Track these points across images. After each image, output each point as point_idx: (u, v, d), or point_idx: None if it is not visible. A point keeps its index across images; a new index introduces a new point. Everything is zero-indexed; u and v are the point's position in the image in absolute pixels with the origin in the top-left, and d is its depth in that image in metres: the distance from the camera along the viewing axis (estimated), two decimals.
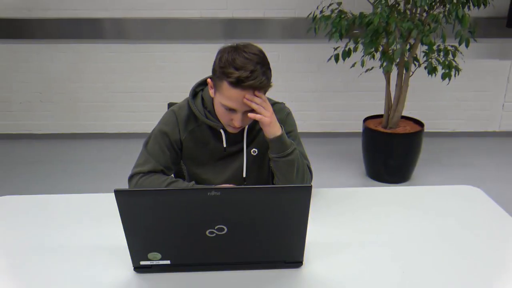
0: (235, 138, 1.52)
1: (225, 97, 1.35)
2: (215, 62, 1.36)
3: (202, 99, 1.51)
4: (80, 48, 3.93)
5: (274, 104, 1.55)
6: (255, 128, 1.54)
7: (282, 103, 1.61)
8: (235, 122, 1.40)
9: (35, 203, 1.52)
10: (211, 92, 1.43)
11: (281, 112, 1.56)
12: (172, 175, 1.58)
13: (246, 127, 1.51)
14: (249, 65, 1.30)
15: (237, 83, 1.30)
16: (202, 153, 1.55)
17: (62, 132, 4.23)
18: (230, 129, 1.46)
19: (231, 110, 1.37)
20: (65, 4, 3.78)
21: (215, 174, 1.56)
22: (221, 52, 1.35)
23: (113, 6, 3.80)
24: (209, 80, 1.43)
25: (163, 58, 3.96)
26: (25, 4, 3.78)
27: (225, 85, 1.33)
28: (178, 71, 4.00)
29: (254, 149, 1.55)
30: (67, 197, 1.56)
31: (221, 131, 1.50)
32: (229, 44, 1.37)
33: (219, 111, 1.42)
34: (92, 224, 1.37)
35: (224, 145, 1.52)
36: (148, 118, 4.08)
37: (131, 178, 1.50)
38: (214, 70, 1.37)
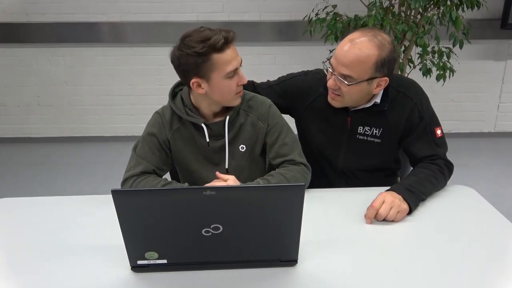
0: (217, 132, 1.55)
1: (224, 66, 1.39)
2: (185, 64, 1.40)
3: (182, 98, 1.55)
4: (78, 52, 3.95)
5: (252, 97, 1.58)
6: (236, 122, 1.57)
7: (263, 96, 1.64)
8: (243, 79, 1.46)
9: (33, 205, 1.53)
10: (202, 90, 1.45)
11: (262, 106, 1.59)
12: (169, 177, 1.60)
13: (227, 120, 1.53)
14: (211, 31, 1.37)
15: (225, 42, 1.37)
16: (189, 151, 1.58)
17: (60, 136, 4.24)
18: (238, 98, 1.50)
19: (235, 73, 1.42)
20: (63, 8, 3.80)
21: (207, 171, 1.58)
22: (181, 54, 1.39)
23: (110, 10, 3.82)
24: (193, 81, 1.43)
25: (160, 61, 3.98)
26: (23, 8, 3.79)
27: (217, 57, 1.38)
28: (175, 74, 3.99)
29: (241, 145, 1.57)
30: (65, 199, 1.57)
31: (203, 126, 1.52)
32: (172, 48, 1.43)
33: (227, 87, 1.44)
34: (90, 225, 1.39)
35: (207, 140, 1.54)
36: (145, 121, 4.06)
37: (124, 182, 1.52)
38: (193, 68, 1.40)
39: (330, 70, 1.53)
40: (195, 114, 1.53)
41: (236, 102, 1.51)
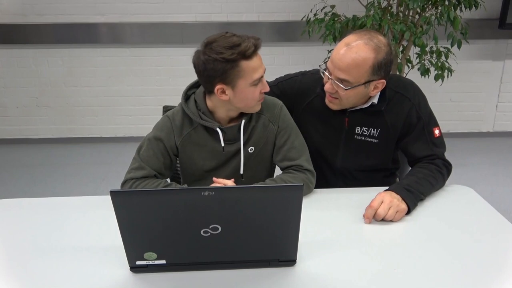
0: (231, 136, 1.54)
1: (252, 73, 1.39)
2: (211, 69, 1.37)
3: (195, 101, 1.53)
4: (76, 53, 3.95)
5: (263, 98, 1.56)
6: (249, 125, 1.56)
7: (273, 97, 1.63)
8: (266, 87, 1.47)
9: (32, 206, 1.53)
10: (226, 97, 1.43)
11: (274, 107, 1.58)
12: (168, 179, 1.59)
13: (242, 124, 1.52)
14: (239, 37, 1.37)
15: (255, 49, 1.37)
16: (199, 156, 1.56)
17: (58, 137, 4.24)
18: (259, 105, 1.50)
19: (259, 81, 1.43)
20: (61, 9, 3.80)
21: (215, 176, 1.54)
22: (207, 59, 1.36)
23: (108, 11, 3.82)
24: (218, 87, 1.41)
25: (158, 62, 3.98)
26: (21, 9, 3.79)
27: (245, 64, 1.37)
28: (173, 75, 4.01)
29: (251, 147, 1.56)
30: (64, 200, 1.57)
31: (218, 130, 1.51)
32: (197, 52, 1.40)
33: (251, 94, 1.44)
34: (89, 226, 1.38)
35: (222, 144, 1.53)
36: (144, 122, 4.10)
37: (124, 184, 1.51)
38: (219, 74, 1.37)
39: (327, 74, 1.53)
40: (209, 118, 1.51)
41: (257, 109, 1.51)
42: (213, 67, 1.36)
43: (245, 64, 1.36)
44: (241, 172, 1.57)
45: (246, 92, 1.42)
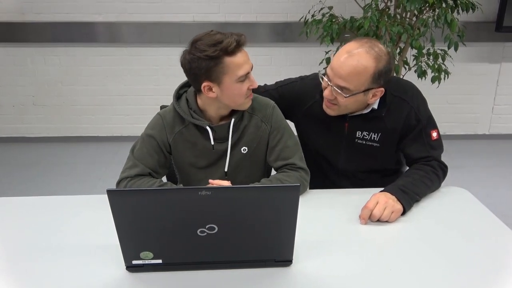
0: (222, 135, 1.54)
1: (236, 69, 1.39)
2: (196, 68, 1.38)
3: (187, 100, 1.54)
4: (73, 52, 3.94)
5: (255, 98, 1.57)
6: (240, 124, 1.56)
7: (265, 98, 1.64)
8: (254, 83, 1.46)
9: (28, 205, 1.53)
10: (213, 94, 1.44)
11: (266, 107, 1.59)
12: (164, 178, 1.59)
13: (231, 123, 1.52)
14: (222, 34, 1.37)
15: (237, 45, 1.37)
16: (192, 154, 1.57)
17: (55, 136, 4.23)
18: (249, 102, 1.50)
19: (246, 77, 1.42)
20: (58, 8, 3.79)
21: (207, 174, 1.57)
22: (192, 58, 1.38)
23: (106, 10, 3.81)
24: (204, 85, 1.43)
25: (156, 61, 3.98)
26: (18, 8, 3.78)
27: (229, 61, 1.37)
28: (171, 75, 4.01)
29: (244, 147, 1.57)
30: (60, 199, 1.57)
31: (208, 128, 1.52)
32: (184, 51, 1.42)
33: (238, 91, 1.44)
34: (85, 225, 1.38)
35: (212, 143, 1.54)
36: (141, 121, 4.05)
37: (119, 183, 1.52)
38: (204, 72, 1.39)
39: (326, 80, 1.53)
40: (200, 116, 1.52)
41: (246, 105, 1.51)
42: (198, 65, 1.38)
43: (228, 60, 1.37)
44: (225, 169, 1.58)
45: (233, 88, 1.43)
